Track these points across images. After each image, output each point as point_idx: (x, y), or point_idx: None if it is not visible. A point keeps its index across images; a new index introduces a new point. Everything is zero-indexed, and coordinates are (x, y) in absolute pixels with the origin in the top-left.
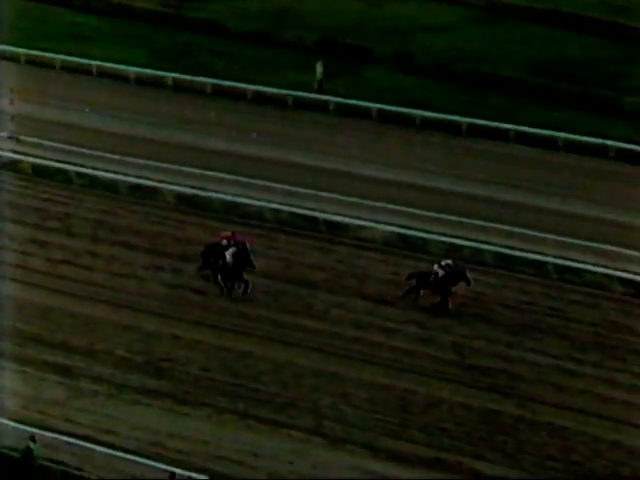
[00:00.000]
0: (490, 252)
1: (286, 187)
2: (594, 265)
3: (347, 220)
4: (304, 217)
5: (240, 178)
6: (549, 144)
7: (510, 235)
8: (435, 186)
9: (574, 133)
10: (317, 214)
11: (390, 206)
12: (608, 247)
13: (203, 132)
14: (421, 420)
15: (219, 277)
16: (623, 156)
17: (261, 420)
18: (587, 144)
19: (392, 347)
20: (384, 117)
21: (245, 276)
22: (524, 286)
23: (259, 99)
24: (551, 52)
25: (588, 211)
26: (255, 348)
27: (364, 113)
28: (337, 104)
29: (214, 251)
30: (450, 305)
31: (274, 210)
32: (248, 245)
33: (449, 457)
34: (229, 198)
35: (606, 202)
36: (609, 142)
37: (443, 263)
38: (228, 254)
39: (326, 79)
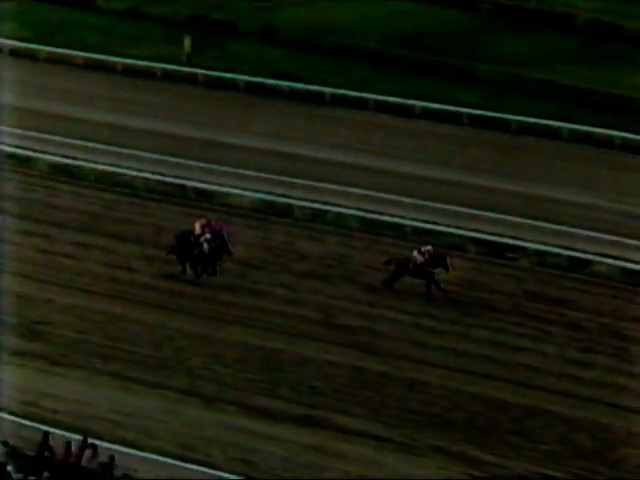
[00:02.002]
0: (353, 216)
1: (156, 156)
2: (449, 227)
3: (215, 187)
4: (173, 185)
5: (111, 148)
6: (407, 112)
7: (371, 200)
8: (299, 153)
9: (430, 101)
10: (186, 182)
11: (257, 174)
12: (461, 209)
13: (75, 103)
14: (290, 378)
15: (194, 264)
16: (476, 122)
17: (135, 381)
18: (443, 111)
19: (261, 308)
20: (251, 88)
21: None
22: (385, 248)
23: (129, 72)
24: (409, 25)
25: (443, 175)
26: (128, 311)
27: (232, 85)
28: (205, 76)
29: (188, 239)
30: (433, 290)
31: (144, 179)
32: (224, 233)
33: (317, 413)
34: (101, 167)
35: (460, 166)
36: (464, 109)
37: (423, 250)
38: (205, 242)
39: (195, 53)
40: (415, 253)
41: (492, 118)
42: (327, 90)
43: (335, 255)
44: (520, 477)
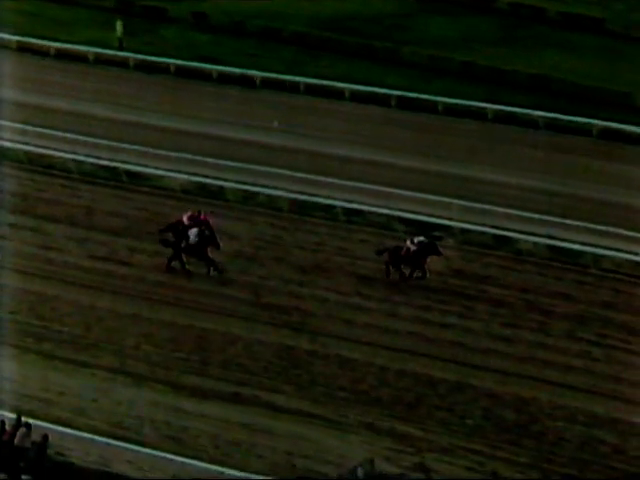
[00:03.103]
0: (284, 198)
1: (89, 139)
2: (377, 207)
3: (147, 170)
4: (106, 167)
5: (43, 130)
6: (336, 94)
7: (301, 181)
8: (229, 136)
9: (357, 83)
10: (118, 164)
11: (188, 156)
12: (389, 189)
13: (9, 85)
14: (220, 357)
15: (181, 255)
16: (403, 104)
17: (66, 360)
18: (371, 93)
19: (192, 289)
20: (181, 72)
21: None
22: (314, 228)
23: (61, 55)
24: (337, 8)
25: (372, 156)
26: (59, 291)
27: (163, 69)
28: (137, 60)
29: (176, 230)
30: (428, 275)
31: (77, 161)
32: (212, 224)
33: (247, 391)
34: (31, 149)
35: (388, 147)
36: (391, 91)
37: (415, 240)
38: (192, 234)
39: (126, 37)
40: (408, 242)
41: (419, 100)
42: (257, 73)
43: (266, 236)
44: (446, 451)
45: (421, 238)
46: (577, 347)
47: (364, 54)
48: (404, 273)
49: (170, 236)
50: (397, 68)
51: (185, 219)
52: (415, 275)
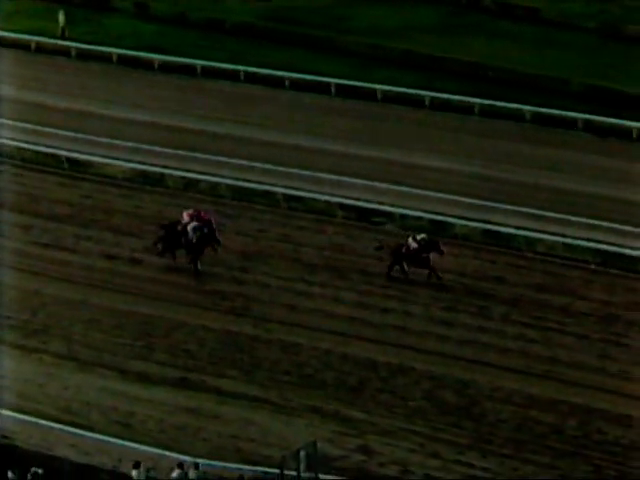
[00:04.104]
0: (225, 185)
1: (30, 126)
2: (318, 193)
3: (89, 157)
4: (49, 155)
5: None
6: (277, 83)
7: (243, 168)
8: (171, 124)
9: (299, 72)
10: (61, 152)
11: (130, 144)
12: (329, 176)
13: None
14: (165, 343)
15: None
16: (343, 92)
17: (13, 345)
18: (311, 82)
19: (137, 276)
20: (124, 61)
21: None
22: (256, 215)
23: (3, 44)
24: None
25: (312, 143)
26: (5, 278)
27: (105, 58)
28: (79, 49)
29: (175, 228)
30: (435, 274)
31: (20, 148)
32: (213, 222)
33: (193, 376)
34: None
35: (329, 134)
36: (331, 79)
37: (418, 237)
38: (190, 230)
39: (69, 26)
40: (410, 240)
41: (358, 88)
42: (198, 62)
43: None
44: (388, 433)
45: (423, 235)
46: (513, 330)
47: (304, 44)
48: (406, 271)
49: (163, 233)
50: (337, 57)
51: (185, 216)
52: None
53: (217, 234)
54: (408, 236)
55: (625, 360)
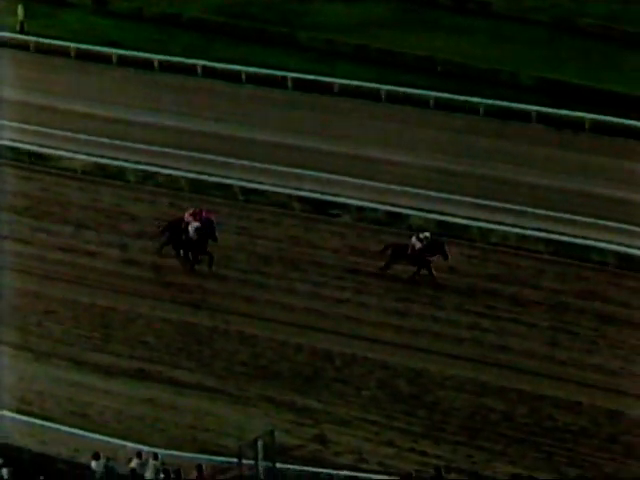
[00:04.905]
0: (184, 178)
1: None
2: (275, 186)
3: (48, 151)
4: (7, 148)
5: None
6: (234, 77)
7: (200, 162)
8: (129, 118)
9: (255, 66)
10: (20, 145)
11: (89, 137)
12: (287, 169)
13: None
14: (122, 334)
15: (181, 251)
16: (300, 85)
17: None
18: (268, 76)
19: (94, 268)
20: (82, 55)
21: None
22: (214, 208)
23: None
24: None
25: (269, 137)
26: None
27: (63, 52)
28: (37, 43)
29: (178, 227)
30: (435, 274)
31: None
32: (214, 220)
33: (150, 367)
34: None
35: (285, 128)
36: (288, 73)
37: (421, 236)
38: (191, 229)
39: (27, 21)
40: (413, 239)
41: (315, 81)
42: (155, 57)
43: (166, 216)
44: (343, 422)
45: (427, 234)
46: (466, 319)
47: (261, 39)
48: (432, 275)
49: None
50: (294, 52)
51: (187, 216)
52: (422, 272)
53: (216, 233)
54: (411, 236)
55: (575, 348)
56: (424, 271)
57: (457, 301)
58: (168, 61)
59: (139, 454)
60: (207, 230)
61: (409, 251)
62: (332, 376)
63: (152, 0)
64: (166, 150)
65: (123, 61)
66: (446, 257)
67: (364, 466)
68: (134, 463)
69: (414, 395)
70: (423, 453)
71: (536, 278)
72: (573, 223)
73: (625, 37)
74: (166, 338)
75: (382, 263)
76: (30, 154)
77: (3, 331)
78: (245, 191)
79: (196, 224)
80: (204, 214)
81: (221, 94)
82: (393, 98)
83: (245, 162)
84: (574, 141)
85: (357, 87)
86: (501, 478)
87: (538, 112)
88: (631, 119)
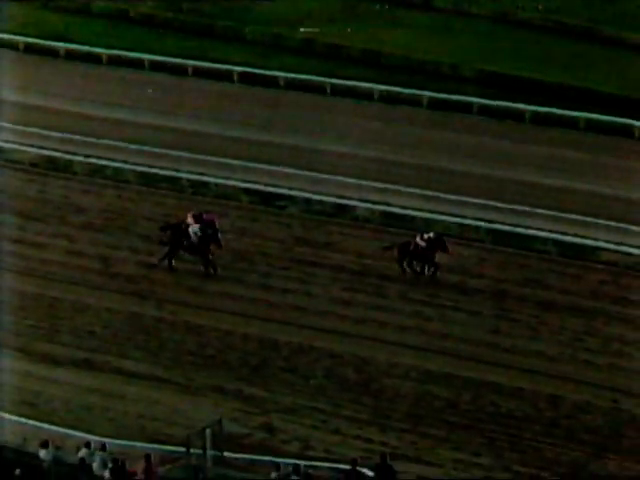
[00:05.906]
0: (130, 170)
1: None
2: (223, 178)
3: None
4: None
5: None
6: (180, 71)
7: (147, 154)
8: (78, 111)
9: (202, 60)
10: None
11: (37, 130)
12: (234, 161)
13: None
14: (70, 324)
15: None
16: (247, 79)
17: None
18: (215, 70)
19: (42, 259)
20: (30, 50)
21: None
22: (161, 200)
23: None
24: None
25: (216, 129)
26: None
27: (11, 46)
28: None
29: (179, 230)
30: (438, 273)
31: None
32: (217, 223)
33: (97, 357)
34: None
35: (232, 120)
36: (235, 67)
37: (425, 236)
38: (192, 232)
39: None
40: (417, 238)
41: (261, 75)
42: (103, 51)
43: (113, 207)
44: (291, 410)
45: (431, 234)
46: (410, 308)
47: (208, 33)
48: (415, 269)
49: (167, 235)
50: (240, 46)
51: (189, 218)
52: (428, 270)
53: (219, 236)
54: (415, 235)
55: (516, 335)
56: (428, 270)
57: (401, 290)
58: (116, 55)
59: (87, 444)
60: (209, 233)
61: (412, 249)
62: (279, 365)
63: None
64: (114, 143)
65: (71, 55)
66: (447, 251)
67: (311, 453)
68: (83, 452)
69: (360, 383)
70: (369, 440)
71: (478, 267)
72: (514, 212)
73: (562, 28)
74: (114, 328)
75: (331, 255)
76: None
77: None
78: (192, 183)
79: (197, 227)
80: (205, 217)
81: (168, 87)
82: (337, 91)
83: (193, 155)
84: (515, 131)
85: (303, 80)
86: (444, 464)
87: (479, 103)
88: (569, 109)
